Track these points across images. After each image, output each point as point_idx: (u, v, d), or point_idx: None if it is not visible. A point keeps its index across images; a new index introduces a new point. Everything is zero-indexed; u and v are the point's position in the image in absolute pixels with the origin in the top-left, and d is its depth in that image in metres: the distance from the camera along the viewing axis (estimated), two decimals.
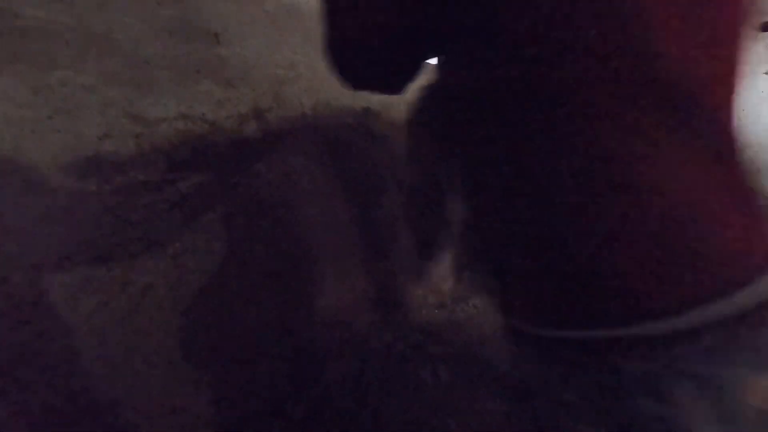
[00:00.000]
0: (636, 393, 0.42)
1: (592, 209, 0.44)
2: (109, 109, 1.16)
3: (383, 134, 1.95)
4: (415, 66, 0.61)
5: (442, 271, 2.10)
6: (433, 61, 0.69)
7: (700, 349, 0.41)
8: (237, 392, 1.40)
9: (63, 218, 1.06)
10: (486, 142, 0.50)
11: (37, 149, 1.02)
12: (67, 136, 1.07)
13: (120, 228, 1.16)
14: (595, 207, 0.44)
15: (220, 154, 1.40)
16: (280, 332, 1.50)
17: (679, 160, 0.43)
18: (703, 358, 0.41)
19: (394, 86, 0.66)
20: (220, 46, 1.34)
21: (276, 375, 1.48)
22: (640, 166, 0.42)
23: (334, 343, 1.68)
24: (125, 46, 1.20)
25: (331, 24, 0.57)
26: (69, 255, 1.07)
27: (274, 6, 1.22)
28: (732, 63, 0.48)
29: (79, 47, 1.11)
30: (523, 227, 0.48)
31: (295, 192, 1.62)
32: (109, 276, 1.13)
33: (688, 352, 0.41)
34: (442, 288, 2.14)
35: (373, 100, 1.95)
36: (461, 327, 1.65)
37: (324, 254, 1.69)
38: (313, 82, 1.73)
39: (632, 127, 0.42)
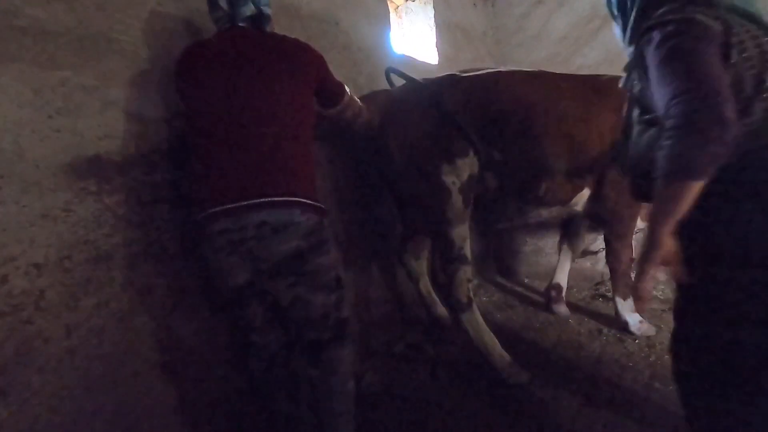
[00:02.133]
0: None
1: None
2: (109, 109, 1.16)
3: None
4: None
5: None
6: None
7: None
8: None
9: (63, 218, 1.06)
10: None
11: (37, 149, 1.02)
12: (67, 136, 1.07)
13: (120, 228, 1.17)
14: None
15: None
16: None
17: None
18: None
19: None
20: None
21: None
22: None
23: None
24: (125, 46, 1.20)
25: None
26: (69, 255, 1.07)
27: (275, 7, 1.22)
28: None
29: (79, 47, 1.11)
30: None
31: None
32: (109, 276, 1.14)
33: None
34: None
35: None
36: (461, 327, 1.66)
37: None
38: None
39: None
